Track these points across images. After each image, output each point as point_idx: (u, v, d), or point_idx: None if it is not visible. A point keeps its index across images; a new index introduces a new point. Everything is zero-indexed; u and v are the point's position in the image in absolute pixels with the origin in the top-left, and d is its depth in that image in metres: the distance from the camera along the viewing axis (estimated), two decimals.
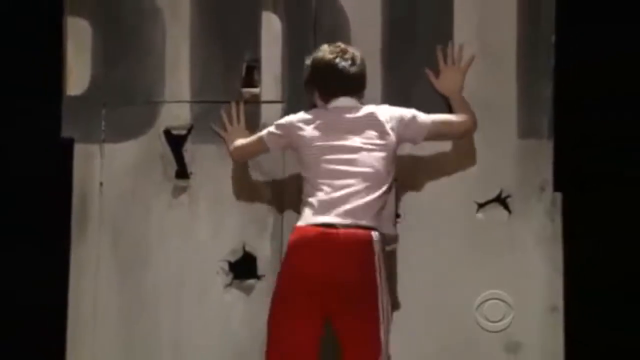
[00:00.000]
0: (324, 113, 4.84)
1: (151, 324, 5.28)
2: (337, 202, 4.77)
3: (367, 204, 4.76)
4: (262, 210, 5.22)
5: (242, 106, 5.29)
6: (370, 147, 4.82)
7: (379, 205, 4.78)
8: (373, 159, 4.80)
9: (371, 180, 4.79)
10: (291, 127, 4.87)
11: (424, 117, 4.90)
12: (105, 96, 5.38)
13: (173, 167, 5.32)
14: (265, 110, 5.31)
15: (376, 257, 4.73)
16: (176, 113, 5.33)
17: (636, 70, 5.34)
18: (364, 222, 4.74)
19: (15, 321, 5.41)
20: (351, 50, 4.93)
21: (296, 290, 4.71)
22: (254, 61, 5.33)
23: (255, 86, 5.32)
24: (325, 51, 4.91)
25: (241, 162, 5.23)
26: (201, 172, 5.29)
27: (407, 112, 4.90)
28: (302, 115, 4.89)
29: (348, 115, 4.84)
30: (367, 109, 4.91)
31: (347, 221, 4.71)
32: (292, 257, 4.74)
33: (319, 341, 4.80)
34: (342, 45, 4.98)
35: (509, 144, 5.20)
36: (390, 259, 5.23)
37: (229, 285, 5.25)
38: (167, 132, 5.35)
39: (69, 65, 5.39)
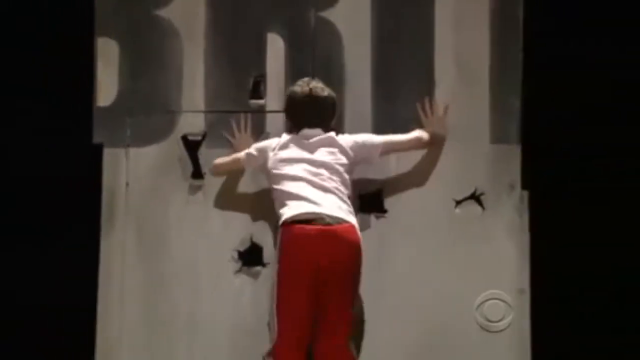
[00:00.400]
0: (295, 137, 5.18)
1: (170, 304, 5.51)
2: (315, 203, 5.11)
3: (339, 205, 5.13)
4: (267, 207, 5.39)
5: (249, 117, 5.47)
6: (333, 162, 5.17)
7: (347, 208, 5.15)
8: (336, 171, 5.16)
9: (336, 188, 5.14)
10: (267, 149, 5.22)
11: (376, 139, 5.28)
12: (130, 107, 5.61)
13: (189, 169, 5.56)
14: (270, 119, 5.58)
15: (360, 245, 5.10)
16: (192, 121, 5.58)
17: (591, 84, 5.52)
18: (347, 218, 5.09)
19: (53, 300, 5.54)
20: (320, 86, 5.25)
21: (299, 271, 5.06)
22: (260, 76, 5.58)
23: (261, 98, 5.58)
24: (298, 87, 5.25)
25: (220, 175, 5.41)
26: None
27: (363, 136, 5.31)
28: (276, 140, 5.23)
29: (314, 139, 5.19)
30: (330, 135, 5.26)
31: (334, 214, 5.05)
32: (294, 246, 5.05)
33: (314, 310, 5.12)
34: (313, 83, 5.29)
35: (482, 149, 5.48)
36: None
37: (239, 271, 5.49)
38: (184, 138, 5.57)
39: (99, 79, 5.62)
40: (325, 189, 5.17)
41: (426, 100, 5.40)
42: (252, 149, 5.30)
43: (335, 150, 5.22)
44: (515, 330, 5.39)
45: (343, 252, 5.09)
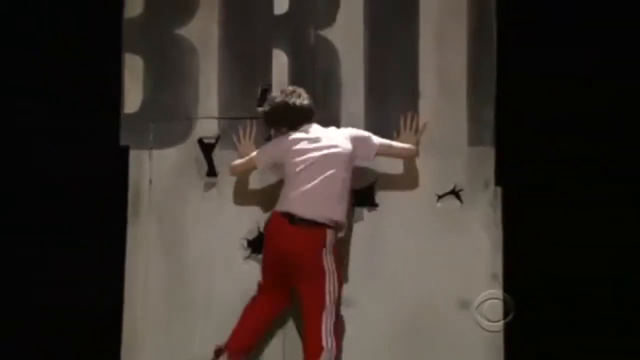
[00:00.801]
0: (299, 134, 5.32)
1: (188, 287, 5.67)
2: (301, 197, 5.25)
3: (328, 198, 5.23)
4: (272, 201, 5.49)
5: (254, 124, 5.58)
6: (335, 152, 5.28)
7: (337, 200, 5.24)
8: (334, 163, 5.27)
9: (332, 179, 5.26)
10: (276, 146, 5.38)
11: (375, 139, 5.39)
12: (153, 114, 5.76)
13: (205, 168, 5.73)
14: None
15: (326, 247, 5.21)
16: (207, 127, 5.74)
17: (556, 94, 5.67)
18: (320, 217, 5.22)
19: (85, 285, 5.70)
20: (298, 90, 5.37)
21: (268, 264, 5.40)
22: (267, 87, 5.72)
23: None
24: (279, 96, 5.38)
25: (244, 174, 5.55)
26: (226, 172, 5.69)
27: (364, 133, 5.43)
28: (283, 138, 5.36)
29: (317, 134, 5.32)
30: (331, 129, 5.40)
31: (307, 215, 5.21)
32: (268, 239, 5.36)
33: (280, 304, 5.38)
34: (290, 88, 5.42)
35: (461, 151, 5.65)
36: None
37: (248, 257, 5.67)
38: (201, 141, 5.73)
39: (126, 90, 5.77)
40: (319, 183, 5.24)
41: (409, 115, 5.56)
42: (263, 148, 5.45)
43: (337, 143, 5.31)
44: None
45: (301, 252, 5.23)
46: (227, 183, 5.72)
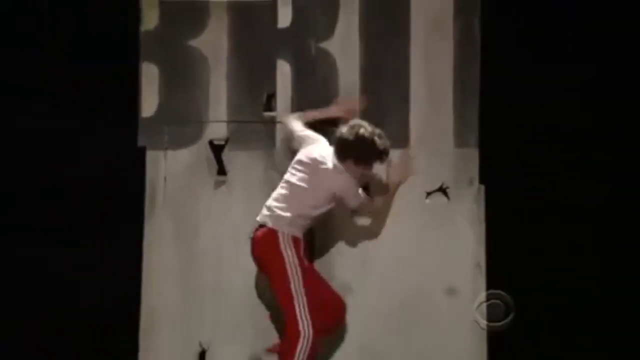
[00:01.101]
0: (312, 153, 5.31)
1: (200, 275, 5.80)
2: (269, 204, 5.34)
3: (282, 202, 5.30)
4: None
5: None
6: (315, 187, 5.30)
7: (288, 202, 5.27)
8: (312, 188, 5.31)
9: (298, 189, 5.32)
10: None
11: (352, 203, 5.33)
12: (168, 118, 5.85)
13: (215, 167, 5.83)
14: (279, 128, 5.83)
15: (281, 250, 5.27)
16: (217, 129, 5.83)
17: (534, 100, 5.81)
18: (275, 224, 5.29)
19: (105, 273, 5.84)
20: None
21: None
22: (272, 93, 5.83)
23: (272, 111, 5.85)
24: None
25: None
26: (234, 170, 5.83)
27: (352, 196, 5.32)
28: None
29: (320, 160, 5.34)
30: (332, 170, 5.36)
31: (267, 220, 5.31)
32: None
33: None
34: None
35: (448, 151, 5.78)
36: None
37: None
38: (211, 143, 5.82)
39: (143, 96, 5.84)
40: (281, 190, 5.33)
41: (402, 152, 5.58)
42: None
43: (327, 182, 5.31)
44: (473, 293, 5.72)
45: (259, 255, 5.40)
46: (234, 180, 5.84)
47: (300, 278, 5.26)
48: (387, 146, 5.28)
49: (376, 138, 5.25)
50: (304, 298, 5.24)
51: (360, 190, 5.39)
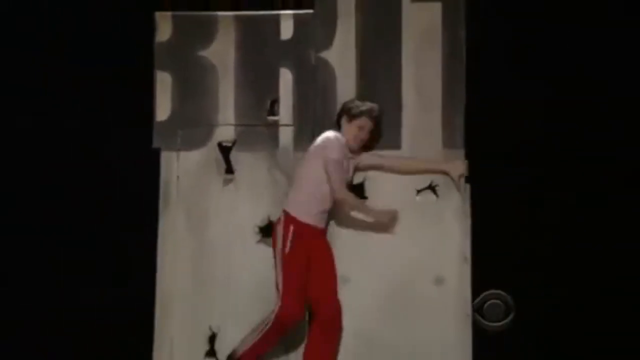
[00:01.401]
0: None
1: (210, 266, 5.99)
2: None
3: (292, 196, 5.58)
4: (280, 195, 5.89)
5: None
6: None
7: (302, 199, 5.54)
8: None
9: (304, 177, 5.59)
10: None
11: (338, 194, 5.59)
12: (180, 121, 6.07)
13: (223, 167, 6.04)
14: (282, 131, 6.05)
15: (278, 235, 5.61)
16: (225, 132, 6.06)
17: (516, 104, 5.99)
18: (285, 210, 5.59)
19: (122, 264, 6.08)
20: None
21: None
22: (275, 99, 6.04)
23: (275, 115, 6.07)
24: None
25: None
26: (241, 170, 6.05)
27: (336, 180, 5.61)
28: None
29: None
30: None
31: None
32: None
33: None
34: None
35: (436, 151, 5.95)
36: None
37: (259, 241, 6.00)
38: (220, 144, 6.05)
39: (157, 101, 6.07)
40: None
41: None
42: None
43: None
44: (459, 283, 5.89)
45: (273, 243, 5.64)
46: (241, 179, 6.06)
47: (281, 272, 5.62)
48: (377, 107, 5.61)
49: (367, 102, 5.64)
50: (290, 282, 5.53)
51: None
